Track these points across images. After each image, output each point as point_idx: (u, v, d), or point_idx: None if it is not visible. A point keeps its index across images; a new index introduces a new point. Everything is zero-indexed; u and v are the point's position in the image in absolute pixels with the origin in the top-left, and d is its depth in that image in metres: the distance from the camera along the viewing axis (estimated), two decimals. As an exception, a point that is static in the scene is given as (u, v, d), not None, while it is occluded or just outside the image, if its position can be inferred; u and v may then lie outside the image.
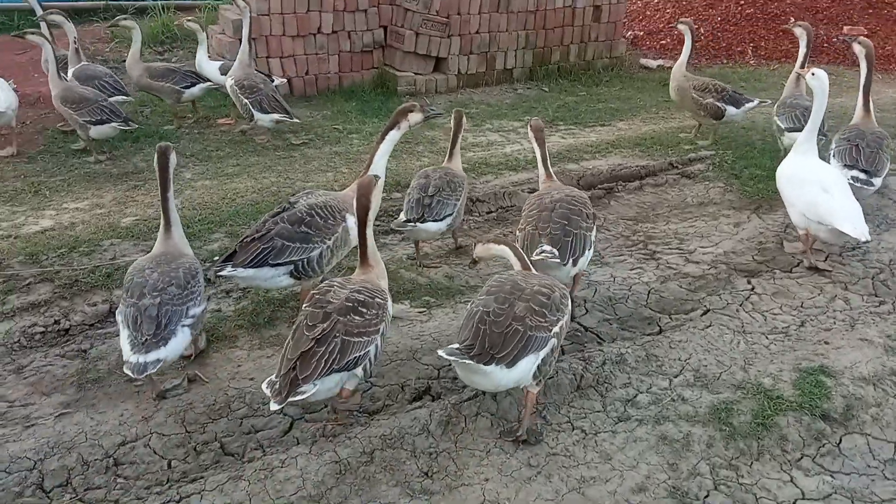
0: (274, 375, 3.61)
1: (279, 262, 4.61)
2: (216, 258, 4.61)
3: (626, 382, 4.42)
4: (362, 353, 3.71)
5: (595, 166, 7.88)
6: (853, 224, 5.28)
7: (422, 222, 5.53)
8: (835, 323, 5.14)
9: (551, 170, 5.50)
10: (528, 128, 5.57)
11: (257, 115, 7.98)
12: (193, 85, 8.57)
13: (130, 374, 3.82)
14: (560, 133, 9.16)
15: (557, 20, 11.46)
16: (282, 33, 9.93)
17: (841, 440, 4.10)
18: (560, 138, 8.94)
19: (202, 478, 3.56)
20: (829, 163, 6.26)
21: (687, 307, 5.38)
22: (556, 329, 3.81)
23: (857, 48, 6.81)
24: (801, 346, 4.84)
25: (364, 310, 3.78)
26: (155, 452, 3.84)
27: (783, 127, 7.45)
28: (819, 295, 5.52)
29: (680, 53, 9.30)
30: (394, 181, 7.30)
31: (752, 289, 5.60)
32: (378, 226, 6.33)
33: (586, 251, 4.85)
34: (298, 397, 3.49)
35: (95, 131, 7.40)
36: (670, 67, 12.48)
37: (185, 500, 3.47)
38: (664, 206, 7.17)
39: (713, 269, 5.90)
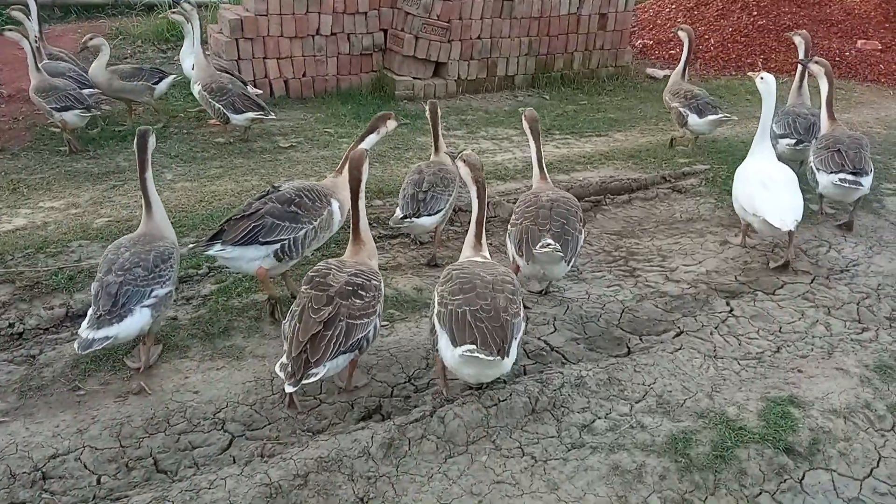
0: (284, 358, 3.74)
1: (268, 240, 4.67)
2: (201, 239, 4.60)
3: (585, 407, 4.26)
4: (363, 334, 3.93)
5: (586, 178, 7.71)
6: (780, 216, 5.61)
7: (417, 217, 5.60)
8: (812, 350, 4.94)
9: (545, 169, 5.61)
10: (522, 118, 5.63)
11: (232, 116, 7.92)
12: (161, 80, 8.58)
13: (76, 348, 3.92)
14: (555, 142, 8.99)
15: (562, 27, 11.29)
16: (279, 34, 9.85)
17: (804, 476, 3.90)
18: (554, 148, 8.77)
19: (126, 496, 3.45)
20: (815, 175, 6.46)
21: (660, 328, 5.20)
22: (522, 312, 4.06)
23: (814, 68, 6.97)
24: (772, 374, 4.65)
25: (363, 293, 3.99)
26: (86, 467, 3.73)
27: (777, 133, 7.38)
28: (799, 319, 5.31)
29: (690, 64, 9.21)
30: (377, 188, 7.18)
31: (731, 311, 5.41)
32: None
33: (576, 252, 5.09)
34: (311, 378, 3.68)
35: (59, 117, 7.51)
36: (677, 78, 12.38)
37: (108, 518, 3.37)
38: (651, 221, 6.98)
39: (692, 289, 5.71)
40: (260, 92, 9.44)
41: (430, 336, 4.12)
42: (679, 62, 9.00)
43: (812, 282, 5.85)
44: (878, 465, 4.01)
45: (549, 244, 4.75)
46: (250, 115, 7.97)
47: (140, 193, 4.69)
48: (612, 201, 7.36)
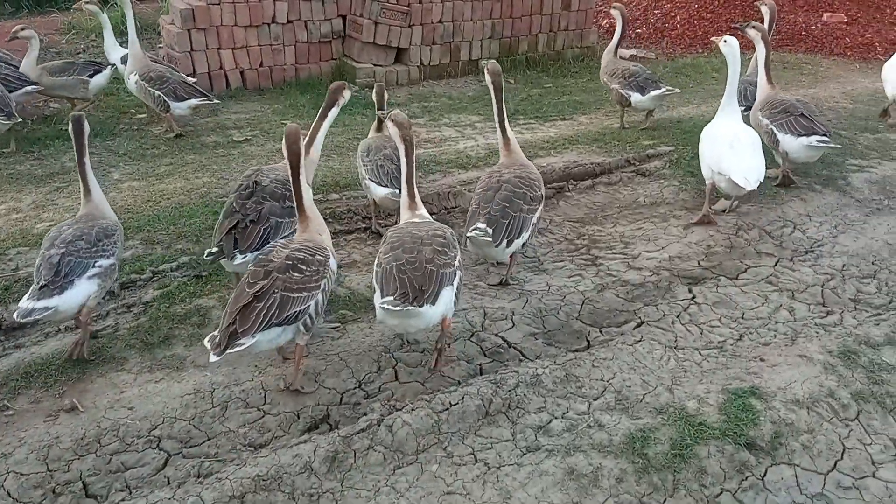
0: (216, 330, 3.73)
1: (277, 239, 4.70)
2: (213, 250, 4.61)
3: (541, 407, 4.10)
4: (302, 307, 3.91)
5: (549, 164, 7.51)
6: (745, 175, 5.80)
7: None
8: (775, 336, 4.81)
9: (510, 133, 5.64)
10: (485, 72, 5.65)
11: (173, 104, 7.67)
12: (97, 73, 8.13)
13: (16, 318, 3.99)
14: (519, 127, 8.79)
15: (525, 8, 11.05)
16: (233, 23, 9.53)
17: (766, 472, 3.77)
18: (517, 133, 8.54)
19: (48, 526, 3.25)
20: (777, 137, 6.62)
21: (620, 319, 5.05)
22: (456, 263, 4.20)
23: (751, 32, 6.99)
24: (734, 364, 4.52)
25: (304, 266, 3.99)
26: (9, 495, 3.52)
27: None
28: (763, 305, 5.18)
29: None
30: (333, 181, 6.97)
31: (693, 298, 5.27)
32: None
33: (523, 233, 5.08)
34: (237, 349, 3.66)
35: None
36: (643, 57, 12.20)
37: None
38: (614, 206, 6.82)
39: (654, 276, 5.56)
40: (193, 80, 9.10)
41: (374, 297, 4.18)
42: (613, 39, 8.86)
43: (776, 265, 5.72)
44: (842, 458, 3.90)
45: (476, 228, 4.83)
46: (193, 101, 7.73)
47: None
48: (575, 187, 7.18)
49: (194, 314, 4.84)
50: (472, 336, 4.75)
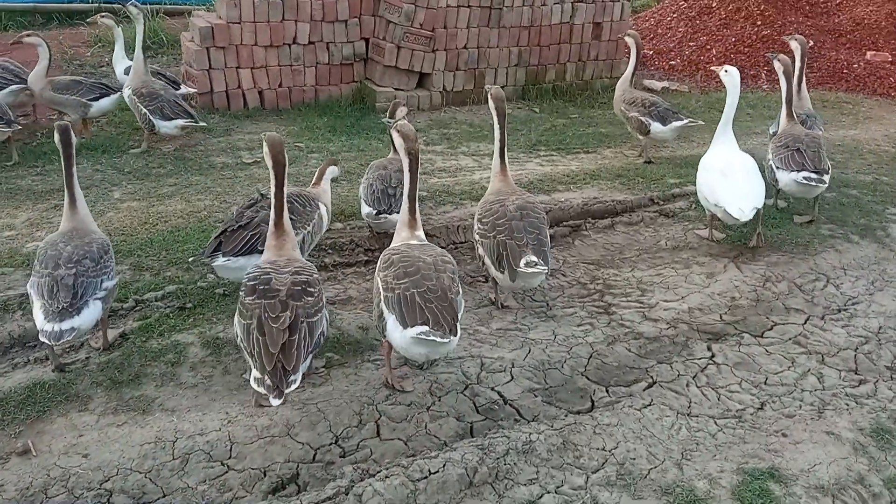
0: (258, 373, 3.67)
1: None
2: (201, 250, 4.66)
3: (533, 478, 3.70)
4: (321, 329, 3.94)
5: (567, 199, 7.16)
6: (739, 206, 5.70)
7: (388, 213, 5.56)
8: (800, 407, 4.35)
9: (507, 162, 5.55)
10: (489, 97, 5.55)
11: (158, 123, 7.51)
12: (103, 96, 7.93)
13: (46, 341, 4.04)
14: (539, 159, 8.45)
15: (553, 37, 10.74)
16: (253, 42, 9.34)
17: (782, 570, 3.34)
18: (538, 165, 8.23)
19: None
20: (775, 173, 6.48)
21: (630, 377, 4.63)
22: (461, 291, 4.19)
23: (776, 65, 6.94)
24: (753, 437, 4.07)
25: (312, 289, 3.97)
26: (-62, 550, 3.22)
27: (770, 133, 7.58)
28: (789, 369, 4.73)
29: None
30: (339, 209, 6.66)
31: (712, 357, 4.84)
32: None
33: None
34: (292, 387, 3.64)
35: None
36: (676, 90, 11.80)
37: None
38: (633, 248, 6.40)
39: (671, 330, 5.14)
40: (193, 90, 8.92)
41: (377, 323, 4.15)
42: (629, 68, 8.57)
43: (805, 323, 5.27)
44: (871, 557, 3.44)
45: (534, 262, 4.79)
46: (179, 122, 7.57)
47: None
48: (592, 226, 6.78)
49: (170, 351, 4.52)
50: (465, 389, 4.37)
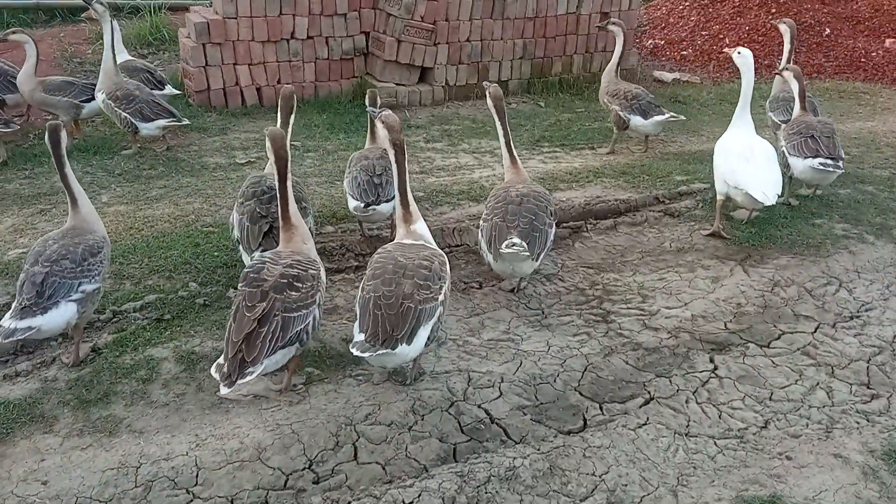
0: (221, 359, 3.62)
1: None
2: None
3: (516, 506, 3.47)
4: (302, 326, 3.83)
5: (569, 198, 6.89)
6: (762, 190, 5.65)
7: (377, 204, 5.46)
8: (807, 426, 4.08)
9: (515, 154, 5.59)
10: (487, 95, 5.58)
11: (141, 125, 7.28)
12: (94, 98, 7.67)
13: None
14: (542, 156, 8.19)
15: (560, 28, 10.44)
16: (250, 38, 9.12)
17: None
18: (540, 163, 7.96)
19: None
20: (788, 160, 6.40)
21: (626, 393, 4.37)
22: (441, 297, 4.00)
23: (786, 75, 6.90)
24: (755, 461, 3.81)
25: (300, 284, 3.88)
26: None
27: (778, 121, 7.34)
28: (796, 382, 4.46)
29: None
30: (330, 212, 6.45)
31: (714, 369, 4.58)
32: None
33: (546, 248, 5.09)
34: (247, 378, 3.55)
35: None
36: (687, 81, 11.46)
37: None
38: (636, 251, 6.13)
39: (672, 339, 4.88)
40: (177, 92, 8.66)
41: None
42: (613, 58, 8.43)
43: (815, 331, 4.99)
44: None
45: (514, 243, 4.76)
46: (161, 122, 7.35)
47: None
48: (594, 227, 6.51)
49: (142, 366, 4.33)
50: (450, 407, 4.14)
